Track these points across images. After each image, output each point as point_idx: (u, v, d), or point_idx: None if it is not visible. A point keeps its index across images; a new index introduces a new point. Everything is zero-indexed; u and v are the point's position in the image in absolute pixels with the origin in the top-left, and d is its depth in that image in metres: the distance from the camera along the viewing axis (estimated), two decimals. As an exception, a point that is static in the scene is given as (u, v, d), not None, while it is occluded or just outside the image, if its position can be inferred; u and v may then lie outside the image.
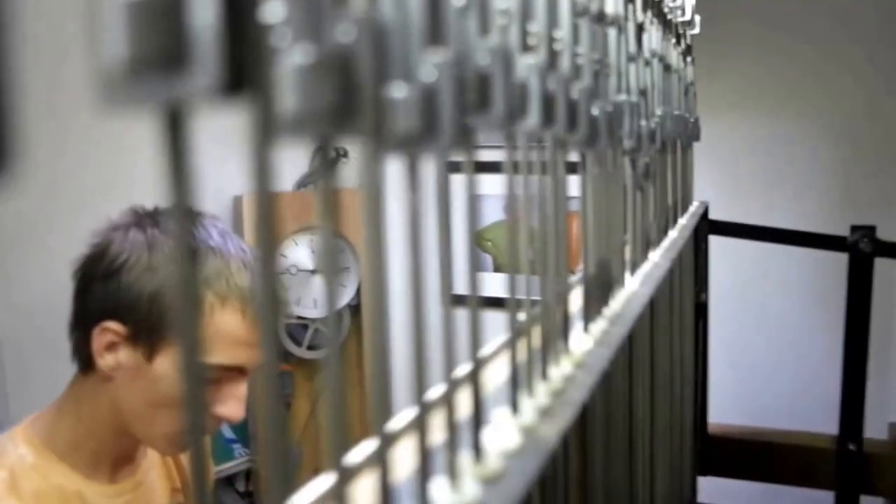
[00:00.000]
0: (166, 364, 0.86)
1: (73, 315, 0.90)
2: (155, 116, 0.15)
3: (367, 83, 0.21)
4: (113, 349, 0.86)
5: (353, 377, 2.33)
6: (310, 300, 2.30)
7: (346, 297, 2.30)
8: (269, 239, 0.17)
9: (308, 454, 2.37)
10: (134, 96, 0.14)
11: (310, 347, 2.33)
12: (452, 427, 0.32)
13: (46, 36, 1.90)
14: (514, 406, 0.38)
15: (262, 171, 0.17)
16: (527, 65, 0.36)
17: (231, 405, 0.90)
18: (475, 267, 0.35)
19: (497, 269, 2.31)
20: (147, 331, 0.85)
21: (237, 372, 0.90)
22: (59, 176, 2.02)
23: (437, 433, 0.32)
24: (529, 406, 0.39)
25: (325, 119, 0.20)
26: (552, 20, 0.43)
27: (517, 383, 0.39)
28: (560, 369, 0.45)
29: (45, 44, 1.90)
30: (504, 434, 0.36)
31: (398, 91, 0.24)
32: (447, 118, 0.26)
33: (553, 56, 0.42)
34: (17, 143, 0.11)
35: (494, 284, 2.21)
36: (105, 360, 0.86)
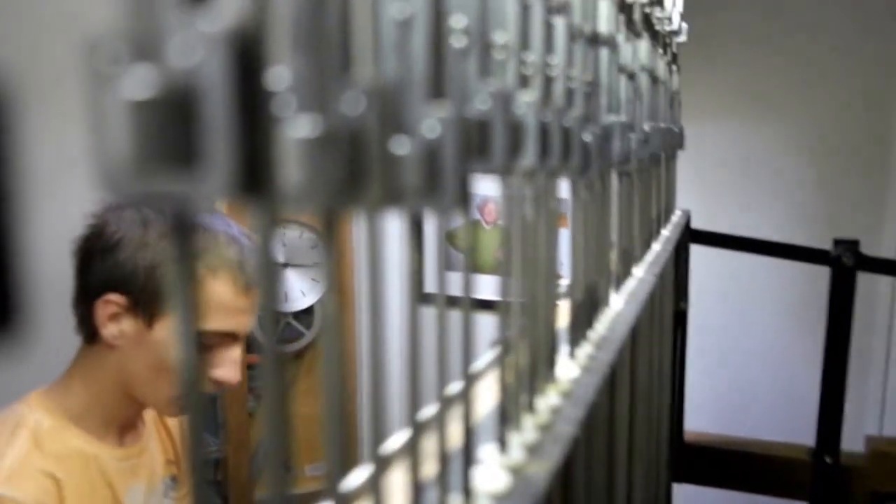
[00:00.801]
0: (165, 330, 0.94)
1: (75, 291, 0.98)
2: (163, 212, 0.15)
3: (375, 151, 0.20)
4: (116, 319, 0.94)
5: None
6: (280, 293, 2.29)
7: (319, 291, 2.30)
8: (273, 320, 0.17)
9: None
10: (140, 194, 0.14)
11: (280, 341, 2.32)
12: (443, 460, 0.32)
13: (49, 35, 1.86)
14: (502, 443, 0.38)
15: (268, 264, 0.17)
16: (524, 102, 0.36)
17: (228, 368, 0.98)
18: (469, 279, 0.35)
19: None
20: (146, 300, 0.93)
21: (230, 337, 0.98)
22: (48, 162, 1.99)
23: (425, 464, 0.32)
24: (517, 442, 0.39)
25: (330, 191, 0.19)
26: (548, 47, 0.43)
27: (505, 418, 0.39)
28: (547, 400, 0.45)
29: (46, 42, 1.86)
30: (492, 474, 0.36)
31: (401, 148, 0.24)
32: (450, 172, 0.26)
33: (548, 85, 0.42)
34: (22, 306, 0.11)
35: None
36: (109, 330, 0.94)
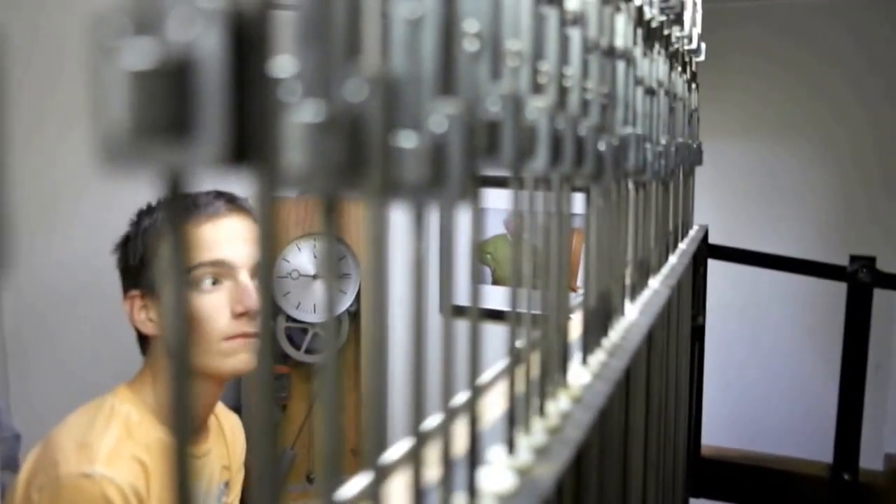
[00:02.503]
0: None
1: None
2: (157, 180, 0.15)
3: (377, 140, 0.20)
4: (144, 310, 1.02)
5: (350, 382, 2.32)
6: (310, 304, 2.29)
7: (345, 302, 2.29)
8: (269, 308, 0.17)
9: (302, 457, 2.36)
10: (136, 162, 0.14)
11: (307, 351, 2.33)
12: (447, 466, 0.32)
13: (48, 33, 1.90)
14: (510, 444, 0.38)
15: (268, 230, 0.17)
16: (536, 108, 0.35)
17: (245, 299, 1.01)
18: (476, 281, 0.35)
19: (496, 282, 2.30)
20: (151, 282, 1.01)
21: (224, 267, 1.01)
22: (62, 167, 2.03)
23: (432, 468, 0.31)
24: (525, 444, 0.39)
25: (331, 176, 0.19)
26: (563, 58, 0.42)
27: (514, 420, 0.38)
28: (557, 404, 0.44)
29: (45, 40, 1.90)
30: (498, 475, 0.35)
31: (407, 141, 0.23)
32: (456, 168, 0.25)
33: (563, 93, 0.42)
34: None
35: (493, 297, 2.21)
36: (142, 323, 1.03)
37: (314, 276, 2.29)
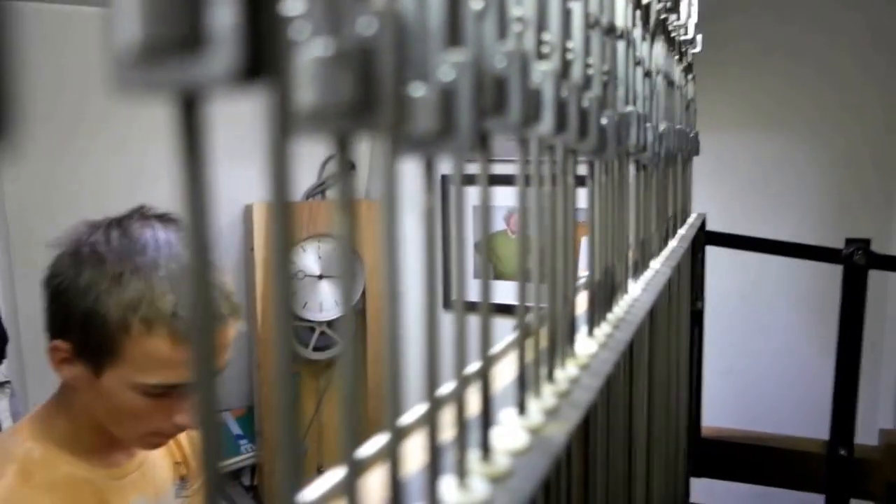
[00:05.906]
0: (113, 380, 0.84)
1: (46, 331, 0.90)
2: (169, 101, 0.14)
3: (387, 78, 0.20)
4: (67, 363, 0.86)
5: (356, 379, 2.32)
6: (316, 304, 2.29)
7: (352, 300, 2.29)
8: (285, 239, 0.16)
9: (313, 450, 2.36)
10: (148, 80, 0.13)
11: (315, 349, 2.33)
12: (462, 425, 0.31)
13: (58, 23, 1.90)
14: (522, 407, 0.37)
15: (279, 161, 0.16)
16: (541, 71, 0.35)
17: (186, 415, 0.88)
18: (485, 273, 0.34)
19: (497, 277, 2.30)
20: (89, 350, 0.84)
21: (177, 388, 0.86)
22: (84, 161, 2.03)
23: (446, 431, 0.30)
24: (536, 407, 0.38)
25: (343, 113, 0.18)
26: (565, 30, 0.42)
27: (524, 385, 0.38)
28: (566, 372, 0.44)
29: (55, 30, 1.90)
30: (511, 434, 0.35)
31: (416, 90, 0.23)
32: (464, 119, 0.25)
33: (566, 64, 0.41)
34: (16, 111, 0.10)
35: (496, 291, 2.20)
36: (63, 373, 0.87)
37: (319, 276, 2.28)
